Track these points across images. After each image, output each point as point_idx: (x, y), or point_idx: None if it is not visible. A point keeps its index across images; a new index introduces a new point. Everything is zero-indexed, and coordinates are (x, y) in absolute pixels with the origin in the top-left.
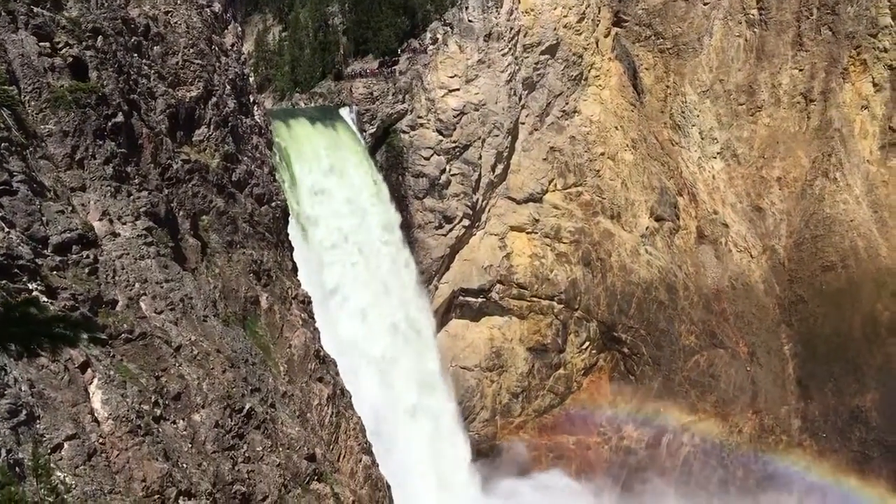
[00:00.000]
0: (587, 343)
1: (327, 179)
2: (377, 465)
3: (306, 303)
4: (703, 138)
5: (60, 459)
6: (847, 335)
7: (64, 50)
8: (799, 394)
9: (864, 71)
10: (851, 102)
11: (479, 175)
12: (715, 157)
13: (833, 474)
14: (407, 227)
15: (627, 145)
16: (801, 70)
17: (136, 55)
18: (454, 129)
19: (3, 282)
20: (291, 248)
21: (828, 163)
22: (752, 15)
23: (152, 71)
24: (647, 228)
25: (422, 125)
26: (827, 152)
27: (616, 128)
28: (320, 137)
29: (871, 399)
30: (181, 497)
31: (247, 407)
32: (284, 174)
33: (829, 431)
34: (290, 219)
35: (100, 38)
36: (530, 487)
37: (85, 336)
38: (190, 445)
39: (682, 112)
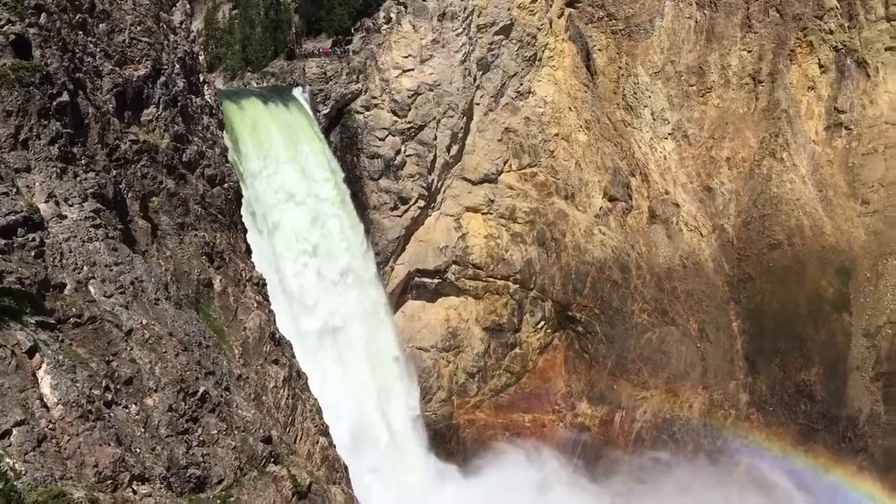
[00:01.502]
0: (542, 322)
1: None
2: (334, 447)
3: (261, 285)
4: (654, 119)
5: (9, 446)
6: (793, 311)
7: (6, 27)
8: (747, 369)
9: (810, 52)
10: (798, 84)
11: (435, 156)
12: (666, 138)
13: (780, 447)
14: (362, 208)
15: (581, 126)
16: (749, 52)
17: (80, 33)
18: (409, 110)
19: None
20: (245, 230)
21: (775, 143)
22: None
23: (98, 49)
24: (600, 208)
25: (376, 105)
26: (774, 133)
27: (570, 108)
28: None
29: (816, 373)
30: (134, 482)
31: (201, 390)
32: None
33: (775, 405)
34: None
35: (43, 14)
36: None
37: (33, 320)
38: (143, 430)
39: (634, 93)
